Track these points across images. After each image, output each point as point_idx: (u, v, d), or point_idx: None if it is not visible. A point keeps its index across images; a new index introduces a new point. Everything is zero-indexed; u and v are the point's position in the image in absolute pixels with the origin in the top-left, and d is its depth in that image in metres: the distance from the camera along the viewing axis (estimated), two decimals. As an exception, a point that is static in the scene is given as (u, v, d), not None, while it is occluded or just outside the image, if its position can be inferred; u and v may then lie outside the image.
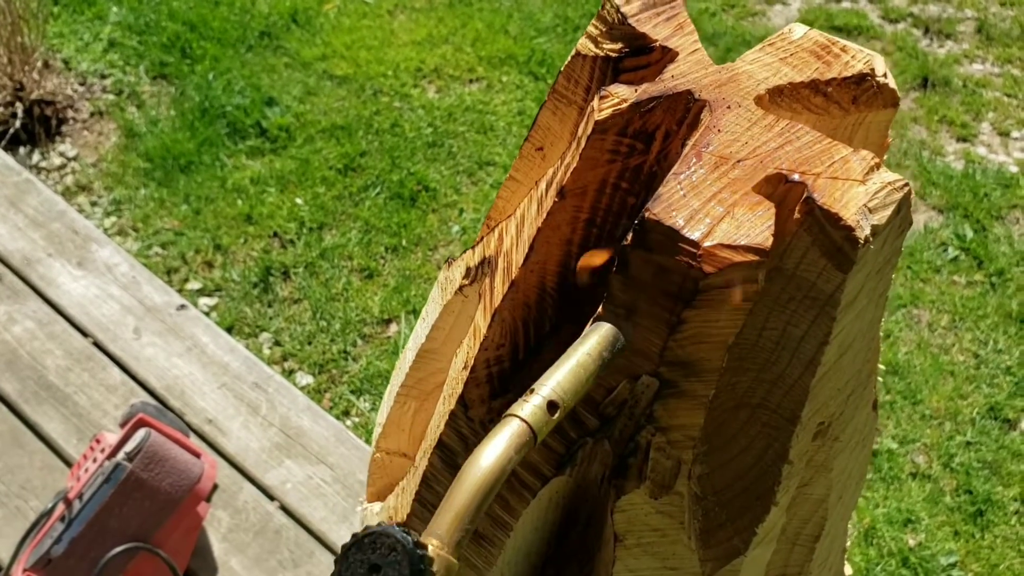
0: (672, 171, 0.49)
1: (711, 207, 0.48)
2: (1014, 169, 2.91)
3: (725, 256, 0.47)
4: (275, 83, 2.79)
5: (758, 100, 0.53)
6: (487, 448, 0.48)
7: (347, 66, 2.89)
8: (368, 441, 2.18)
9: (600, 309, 0.53)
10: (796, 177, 0.49)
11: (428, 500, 0.65)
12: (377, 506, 0.80)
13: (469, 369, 0.59)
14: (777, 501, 0.59)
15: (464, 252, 0.67)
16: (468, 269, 0.65)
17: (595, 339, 0.51)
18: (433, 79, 2.92)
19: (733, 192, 0.49)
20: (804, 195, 0.49)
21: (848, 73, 0.54)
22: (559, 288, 0.58)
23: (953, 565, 2.12)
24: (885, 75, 0.55)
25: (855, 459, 0.68)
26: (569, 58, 0.60)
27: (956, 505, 2.22)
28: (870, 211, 0.48)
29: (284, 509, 1.70)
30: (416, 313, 2.39)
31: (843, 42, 0.56)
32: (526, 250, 0.56)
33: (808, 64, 0.55)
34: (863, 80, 0.54)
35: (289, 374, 2.27)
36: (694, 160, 0.50)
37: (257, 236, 2.43)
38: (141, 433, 1.50)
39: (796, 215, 0.49)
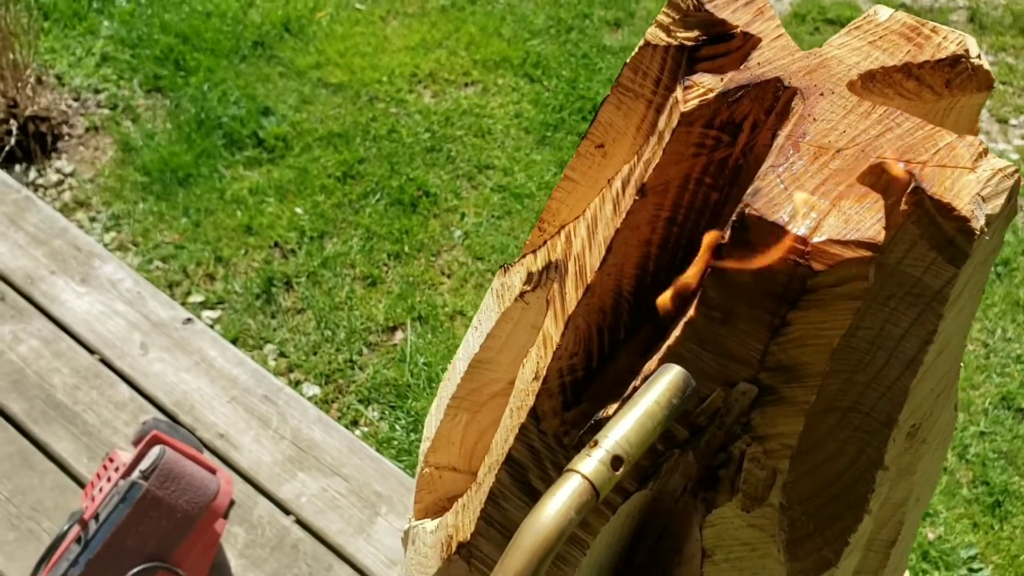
0: (769, 163, 0.46)
1: (815, 200, 0.45)
2: (1015, 156, 2.89)
3: (836, 252, 0.44)
4: (270, 93, 2.75)
5: (850, 86, 0.50)
6: (545, 507, 0.45)
7: (342, 73, 2.85)
8: (380, 451, 2.14)
9: (679, 328, 0.50)
10: (901, 166, 0.46)
11: (495, 519, 0.62)
12: (430, 523, 0.76)
13: (541, 380, 0.56)
14: (871, 509, 0.56)
15: (522, 257, 0.64)
16: (530, 274, 0.62)
17: (663, 384, 0.47)
18: (428, 84, 2.88)
19: (836, 184, 0.46)
20: (911, 185, 0.46)
21: (941, 55, 0.52)
22: (635, 291, 0.55)
23: (973, 557, 2.10)
24: (979, 56, 0.53)
25: (936, 460, 0.65)
26: (636, 49, 0.57)
27: (974, 497, 2.20)
28: (983, 200, 0.45)
29: (300, 523, 1.67)
30: (422, 319, 2.36)
31: (932, 23, 0.53)
32: (602, 252, 0.53)
33: (899, 47, 0.52)
34: (957, 62, 0.52)
35: (296, 385, 2.23)
36: (792, 151, 0.47)
37: (258, 247, 2.39)
38: (156, 450, 1.46)
39: (903, 206, 0.46)
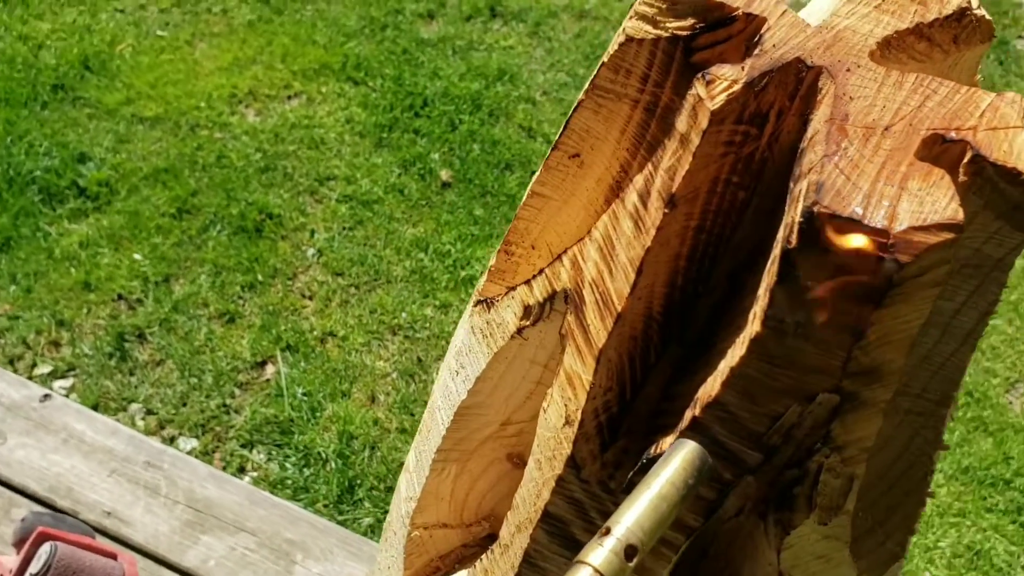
0: (821, 153, 0.42)
1: (881, 187, 0.41)
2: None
3: (920, 240, 0.40)
4: (82, 137, 2.55)
5: (871, 57, 0.46)
6: None
7: (156, 106, 2.67)
8: (275, 494, 2.03)
9: (743, 347, 0.45)
10: (954, 135, 0.43)
11: (532, 580, 0.56)
12: (427, 590, 0.70)
13: (576, 425, 0.50)
14: (933, 492, 0.54)
15: (511, 289, 0.58)
16: (527, 308, 0.55)
17: (677, 463, 0.44)
18: (250, 103, 2.74)
19: (897, 164, 0.42)
20: (969, 154, 0.43)
21: (948, 11, 0.49)
22: (665, 311, 0.50)
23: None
24: (979, 6, 0.50)
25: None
26: (615, 47, 0.51)
27: None
28: (1044, 159, 0.43)
29: (216, 592, 1.55)
30: (291, 348, 2.24)
31: (928, -21, 0.50)
32: (630, 276, 0.47)
33: (906, 8, 0.49)
34: (963, 15, 0.49)
35: (170, 442, 2.08)
36: (840, 136, 0.43)
37: (101, 303, 2.21)
38: (45, 548, 1.31)
39: (963, 178, 0.43)
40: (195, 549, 1.60)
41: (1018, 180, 0.42)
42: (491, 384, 0.61)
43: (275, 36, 2.91)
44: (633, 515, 0.43)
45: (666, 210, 0.46)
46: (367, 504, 2.01)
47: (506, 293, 0.58)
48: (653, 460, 0.49)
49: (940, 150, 0.43)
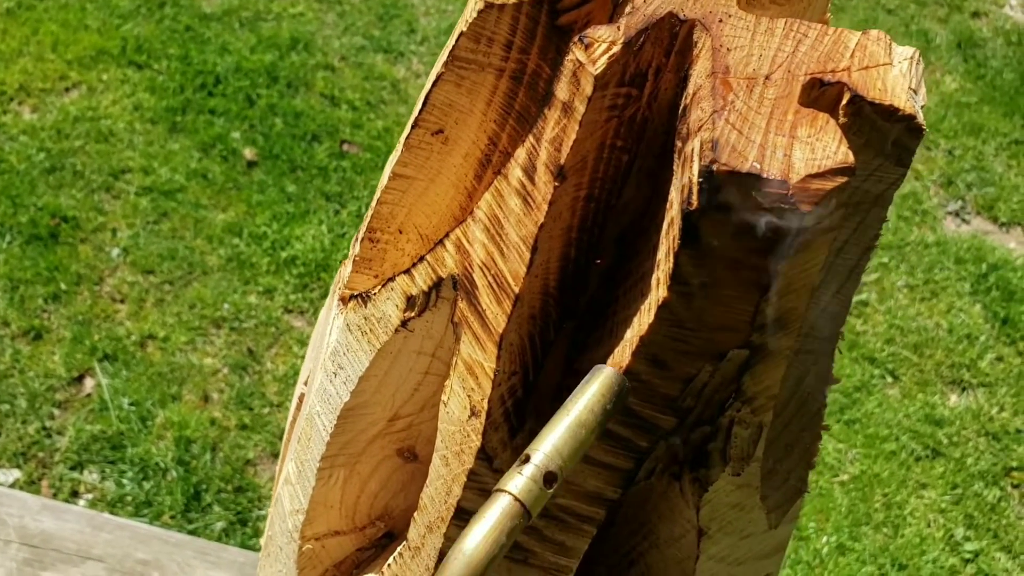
0: (710, 110, 0.41)
1: (773, 138, 0.41)
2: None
3: (818, 187, 0.40)
4: None
5: (739, 5, 0.46)
6: (472, 532, 0.42)
7: (-88, 110, 2.44)
8: (116, 514, 1.91)
9: (650, 313, 0.44)
10: (830, 78, 0.43)
11: (449, 578, 0.53)
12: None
13: (482, 415, 0.48)
14: (827, 426, 0.55)
15: (382, 283, 0.55)
16: (410, 298, 0.53)
17: (596, 389, 0.44)
18: (23, 99, 2.54)
19: (784, 113, 0.42)
20: (847, 95, 0.43)
21: (799, -48, 0.49)
22: (559, 285, 0.48)
23: None
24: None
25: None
26: (473, 15, 0.49)
27: None
28: (915, 92, 0.43)
29: (71, 629, 1.45)
30: (109, 358, 2.11)
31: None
32: (525, 254, 0.45)
33: (760, -48, 0.48)
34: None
35: (-10, 477, 1.93)
36: (724, 90, 0.42)
37: None
38: None
39: (842, 119, 0.43)
40: (39, 587, 1.49)
41: (895, 116, 0.43)
42: (375, 382, 0.58)
43: (40, 23, 2.69)
44: (551, 441, 0.42)
45: (556, 183, 0.44)
46: (217, 508, 1.92)
47: (384, 285, 0.55)
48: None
49: (818, 94, 0.43)
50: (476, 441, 0.49)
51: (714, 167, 0.40)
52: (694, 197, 0.41)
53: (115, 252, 2.29)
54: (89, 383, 2.10)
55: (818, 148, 0.41)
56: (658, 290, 0.43)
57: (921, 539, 2.13)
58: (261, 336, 2.21)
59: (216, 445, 2.02)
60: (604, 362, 0.47)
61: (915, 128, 0.43)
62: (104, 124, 2.51)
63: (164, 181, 2.42)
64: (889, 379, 2.41)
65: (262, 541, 0.86)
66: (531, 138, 0.46)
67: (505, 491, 0.42)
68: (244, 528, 1.93)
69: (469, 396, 0.49)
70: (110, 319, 2.18)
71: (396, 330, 0.54)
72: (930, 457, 2.28)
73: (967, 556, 2.14)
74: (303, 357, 2.21)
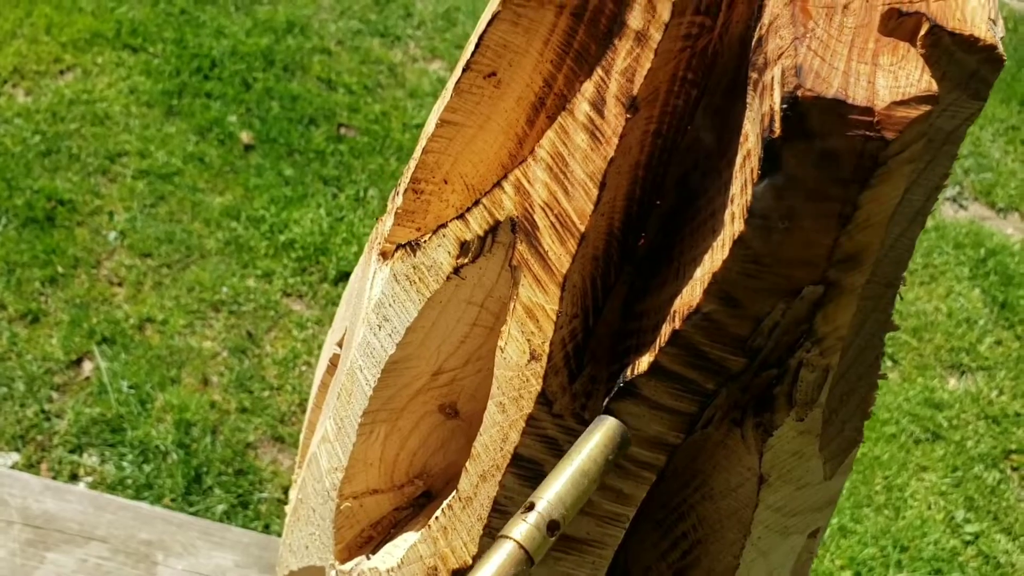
0: (791, 37, 0.40)
1: (856, 65, 0.40)
2: None
3: (902, 115, 0.39)
4: None
5: (811, -64, 0.44)
6: None
7: (-95, 92, 2.40)
8: (115, 494, 1.89)
9: (725, 250, 0.43)
10: (907, 8, 0.42)
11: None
12: (365, 563, 0.65)
13: (544, 359, 0.47)
14: (885, 374, 0.54)
15: (442, 227, 0.54)
16: (463, 244, 0.51)
17: (599, 439, 0.46)
18: (17, 82, 2.51)
19: (864, 42, 0.41)
20: (926, 25, 0.42)
21: None
22: (623, 226, 0.47)
23: None
24: None
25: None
26: (533, -52, 0.47)
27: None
28: (994, 23, 0.42)
29: (76, 609, 1.44)
30: (108, 341, 2.09)
31: None
32: (592, 191, 0.44)
33: None
34: None
35: (-12, 460, 1.90)
36: (804, 17, 0.41)
37: None
38: None
39: (921, 50, 0.42)
40: (42, 569, 1.48)
41: (976, 47, 0.42)
42: (422, 333, 0.56)
43: (34, 6, 2.66)
44: (555, 490, 0.44)
45: (628, 115, 0.43)
46: (218, 491, 1.91)
47: (435, 232, 0.53)
48: (632, 383, 0.47)
49: (895, 24, 0.43)
50: (536, 385, 0.48)
51: (799, 92, 0.39)
52: (776, 125, 0.40)
53: (112, 235, 2.27)
54: (87, 366, 2.07)
55: (901, 76, 0.40)
56: (733, 224, 0.42)
57: (922, 521, 2.13)
58: (260, 319, 2.19)
59: (216, 428, 2.00)
60: (672, 303, 0.46)
61: (996, 59, 0.42)
62: (100, 107, 2.48)
63: (161, 164, 2.40)
64: (889, 363, 2.41)
65: (287, 508, 0.85)
66: (599, 71, 0.45)
67: (510, 538, 0.43)
68: (245, 511, 1.92)
69: (529, 340, 0.48)
70: (108, 302, 2.16)
71: (448, 278, 0.52)
72: (930, 440, 2.28)
73: (967, 538, 2.14)
74: (302, 340, 2.20)
